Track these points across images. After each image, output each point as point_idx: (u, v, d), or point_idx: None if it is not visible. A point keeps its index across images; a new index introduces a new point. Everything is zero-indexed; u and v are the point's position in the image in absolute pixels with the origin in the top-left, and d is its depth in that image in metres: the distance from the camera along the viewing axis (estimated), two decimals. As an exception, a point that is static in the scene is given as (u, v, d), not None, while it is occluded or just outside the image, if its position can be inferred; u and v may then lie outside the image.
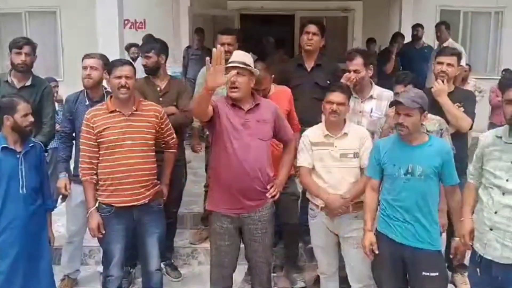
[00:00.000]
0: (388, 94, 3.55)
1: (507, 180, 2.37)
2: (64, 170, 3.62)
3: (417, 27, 7.14)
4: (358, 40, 9.09)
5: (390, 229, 2.81)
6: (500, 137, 2.45)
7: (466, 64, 6.89)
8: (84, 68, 3.52)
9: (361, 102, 3.48)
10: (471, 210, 2.70)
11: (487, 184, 2.47)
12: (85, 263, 4.12)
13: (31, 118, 3.01)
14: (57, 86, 5.65)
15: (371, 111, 3.51)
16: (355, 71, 3.46)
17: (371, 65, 3.58)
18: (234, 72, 2.81)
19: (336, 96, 3.07)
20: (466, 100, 3.54)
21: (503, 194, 2.38)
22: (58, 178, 4.75)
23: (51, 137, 3.84)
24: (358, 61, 3.48)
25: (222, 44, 3.83)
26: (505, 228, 2.36)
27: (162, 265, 3.70)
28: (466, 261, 3.10)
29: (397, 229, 2.78)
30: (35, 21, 9.03)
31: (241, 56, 2.95)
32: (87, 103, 3.51)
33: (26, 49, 3.67)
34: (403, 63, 6.94)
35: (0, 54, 8.55)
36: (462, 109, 3.46)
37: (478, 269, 2.55)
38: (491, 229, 2.43)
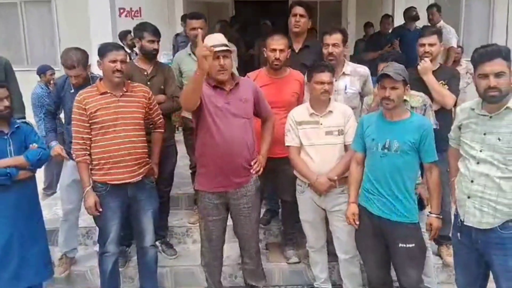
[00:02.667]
0: (362, 70, 3.67)
1: (480, 151, 2.46)
2: (54, 139, 3.69)
3: (413, 8, 7.17)
4: (352, 24, 9.14)
5: (369, 202, 2.93)
6: (473, 109, 2.53)
7: (458, 47, 6.98)
8: (69, 74, 3.55)
9: (335, 80, 3.51)
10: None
11: (464, 155, 2.56)
12: (83, 243, 4.24)
13: (6, 103, 3.05)
14: (54, 74, 5.73)
15: (346, 88, 3.61)
16: (333, 45, 3.54)
17: (347, 44, 3.72)
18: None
19: (326, 76, 3.16)
20: (451, 78, 3.62)
21: (478, 163, 2.47)
22: (55, 164, 4.91)
23: (23, 109, 3.95)
24: (337, 36, 3.57)
25: (193, 29, 3.97)
26: (481, 195, 2.46)
27: (158, 243, 3.81)
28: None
29: (374, 202, 2.89)
30: (31, 11, 9.09)
31: (220, 39, 3.01)
32: (72, 90, 3.56)
33: None
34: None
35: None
36: (446, 86, 3.55)
37: (458, 234, 2.65)
38: (468, 197, 2.52)
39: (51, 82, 5.52)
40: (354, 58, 6.87)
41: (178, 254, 4.05)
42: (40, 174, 4.14)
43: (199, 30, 3.78)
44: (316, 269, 3.59)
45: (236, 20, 8.97)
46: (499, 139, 2.38)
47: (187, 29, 4.18)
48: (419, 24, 7.04)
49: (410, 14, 7.04)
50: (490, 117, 2.44)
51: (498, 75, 2.36)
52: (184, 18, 7.38)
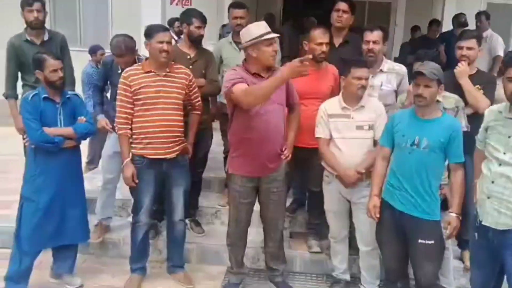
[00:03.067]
0: (400, 69, 3.73)
1: (504, 153, 2.50)
2: (101, 112, 3.97)
3: (462, 15, 7.09)
4: (400, 27, 9.12)
5: (392, 197, 3.00)
6: (501, 112, 2.58)
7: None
8: (117, 57, 3.77)
9: (372, 76, 3.58)
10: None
11: (488, 156, 2.61)
12: (118, 214, 4.49)
13: (60, 74, 3.28)
14: (104, 54, 6.01)
15: (381, 85, 3.68)
16: (374, 42, 3.62)
17: (386, 41, 3.78)
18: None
19: (364, 72, 3.24)
20: (487, 83, 3.62)
21: (500, 165, 2.52)
22: (100, 140, 5.19)
23: (74, 83, 4.20)
24: (378, 33, 3.64)
25: (235, 18, 4.13)
26: (501, 196, 2.51)
27: (187, 221, 4.00)
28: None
29: (398, 197, 2.96)
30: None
31: (267, 27, 3.13)
32: (120, 71, 3.75)
33: (36, 5, 3.95)
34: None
35: (53, 25, 9.03)
36: (482, 91, 3.56)
37: (476, 233, 2.70)
38: (488, 197, 2.57)
39: (101, 61, 5.81)
40: (398, 60, 6.86)
41: (206, 233, 4.23)
42: (84, 149, 4.42)
43: (240, 19, 3.99)
44: (336, 259, 3.68)
45: (288, 15, 9.08)
46: (523, 142, 2.43)
47: (230, 18, 4.34)
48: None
49: (459, 20, 6.96)
50: (517, 120, 2.48)
51: None
52: (228, 8, 7.58)
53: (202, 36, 3.95)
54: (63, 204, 3.39)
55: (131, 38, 3.81)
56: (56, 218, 3.37)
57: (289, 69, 2.82)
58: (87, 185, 3.78)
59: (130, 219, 4.02)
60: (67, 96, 3.41)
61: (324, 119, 3.38)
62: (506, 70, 2.49)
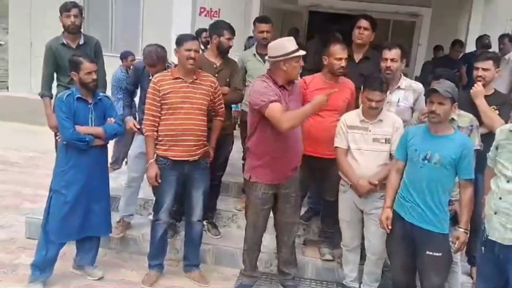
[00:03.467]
0: (417, 86, 3.84)
1: None
2: (129, 114, 4.20)
3: (486, 36, 7.16)
4: (423, 46, 9.19)
5: (403, 209, 3.11)
6: (511, 131, 2.68)
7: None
8: (149, 67, 3.99)
9: (389, 92, 3.69)
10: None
11: (497, 173, 2.71)
12: (139, 213, 4.67)
13: (94, 76, 3.50)
14: (134, 60, 6.27)
15: (398, 101, 3.79)
16: (392, 60, 3.73)
17: (405, 60, 3.89)
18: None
19: (376, 95, 3.36)
20: (503, 104, 3.70)
21: (508, 182, 2.62)
22: (125, 142, 5.42)
23: (105, 86, 4.40)
24: (396, 51, 3.75)
25: (261, 32, 4.31)
26: (508, 212, 2.60)
27: (204, 223, 4.14)
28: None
29: (408, 209, 3.07)
30: (121, 2, 9.80)
31: (295, 43, 3.31)
32: (150, 77, 3.94)
33: (74, 11, 4.17)
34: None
35: (87, 31, 9.36)
36: (497, 112, 3.65)
37: (483, 248, 2.80)
38: (495, 213, 2.67)
39: (131, 67, 6.06)
40: (420, 79, 6.94)
41: (222, 235, 4.38)
42: (109, 149, 4.64)
43: (266, 33, 4.17)
44: (347, 267, 3.79)
45: (313, 30, 9.23)
46: (531, 161, 2.52)
47: (256, 32, 4.53)
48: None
49: (483, 42, 7.02)
50: (526, 139, 2.58)
51: None
52: (254, 22, 7.78)
53: (230, 47, 4.15)
54: (89, 199, 3.59)
55: (162, 48, 4.02)
56: (82, 211, 3.56)
57: (321, 100, 3.17)
58: (111, 184, 3.98)
59: (150, 217, 4.22)
60: (99, 97, 3.62)
61: (343, 130, 3.53)
62: None
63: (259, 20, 4.52)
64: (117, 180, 5.10)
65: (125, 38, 9.71)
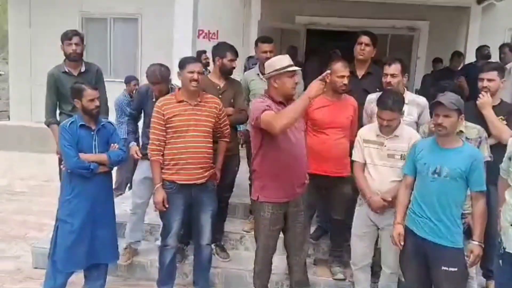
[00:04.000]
0: (421, 100, 3.83)
1: None
2: (133, 140, 4.17)
3: (486, 47, 7.19)
4: (422, 59, 9.20)
5: (415, 224, 3.06)
6: None
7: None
8: (152, 85, 3.99)
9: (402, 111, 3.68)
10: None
11: (511, 184, 2.67)
12: (146, 239, 4.61)
13: (96, 103, 3.49)
14: (137, 84, 6.29)
15: (403, 116, 3.75)
16: (392, 75, 3.73)
17: (407, 74, 3.88)
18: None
19: (386, 115, 3.31)
20: (510, 114, 3.68)
21: (522, 193, 2.58)
22: (128, 167, 5.40)
23: (108, 112, 4.40)
24: (396, 67, 3.75)
25: (264, 52, 4.32)
26: (524, 223, 2.55)
27: (213, 246, 4.09)
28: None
29: (420, 224, 3.02)
30: (118, 27, 9.88)
31: (290, 60, 3.31)
32: (154, 99, 3.95)
33: (75, 39, 4.19)
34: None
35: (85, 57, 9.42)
36: (505, 122, 3.62)
37: (500, 261, 2.73)
38: (511, 225, 2.61)
39: (134, 91, 6.09)
40: (420, 92, 6.94)
41: (231, 258, 4.32)
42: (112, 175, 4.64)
43: (269, 53, 4.16)
44: (359, 286, 3.71)
45: (312, 48, 9.30)
46: (544, 171, 2.48)
47: (258, 52, 4.53)
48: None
49: (482, 53, 7.05)
50: (539, 149, 2.54)
51: None
52: (256, 42, 7.84)
53: (234, 68, 4.16)
54: (95, 226, 3.54)
55: (166, 67, 4.04)
56: (88, 239, 3.51)
57: (313, 87, 3.04)
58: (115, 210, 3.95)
59: (157, 243, 4.17)
60: (102, 123, 3.60)
61: (360, 143, 3.50)
62: None
63: (262, 40, 4.53)
64: (121, 206, 5.07)
65: (124, 63, 9.79)
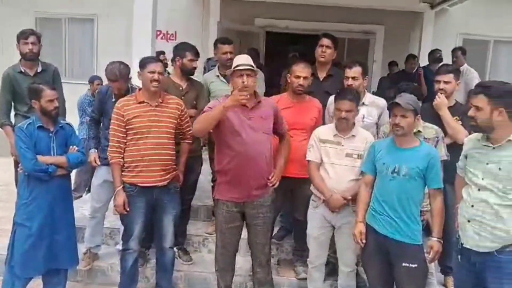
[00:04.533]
0: (381, 102, 3.92)
1: (482, 178, 2.66)
2: (94, 146, 4.06)
3: (438, 51, 7.44)
4: (378, 63, 9.41)
5: (376, 222, 3.12)
6: (479, 140, 2.75)
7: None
8: (112, 82, 3.91)
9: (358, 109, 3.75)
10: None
11: (468, 182, 2.76)
12: (105, 243, 4.51)
13: (55, 104, 3.39)
14: (100, 84, 6.15)
15: (363, 117, 3.84)
16: (353, 78, 3.80)
17: (367, 76, 3.98)
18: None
19: (344, 104, 3.39)
20: (465, 115, 3.81)
21: (479, 190, 2.67)
22: (86, 169, 5.27)
23: (65, 113, 4.29)
24: (357, 69, 3.83)
25: (225, 53, 4.31)
26: (480, 219, 2.64)
27: (175, 249, 4.04)
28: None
29: (381, 222, 3.09)
30: (74, 27, 9.62)
31: (246, 59, 3.31)
32: (114, 100, 3.89)
33: (32, 38, 4.08)
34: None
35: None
36: (460, 122, 3.75)
37: (459, 256, 2.82)
38: (468, 221, 2.70)
39: (96, 90, 5.96)
40: (377, 94, 7.09)
41: (193, 261, 4.28)
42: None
43: (229, 54, 4.17)
44: (312, 284, 3.75)
45: (271, 51, 9.34)
46: (500, 168, 2.58)
47: (219, 53, 4.49)
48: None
49: (434, 56, 7.29)
50: (493, 148, 2.64)
51: (476, 108, 2.64)
52: (215, 43, 7.81)
53: (195, 68, 4.12)
54: (54, 230, 3.43)
55: (126, 65, 3.96)
56: (47, 243, 3.40)
57: (230, 99, 3.05)
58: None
59: (118, 247, 4.09)
60: (60, 125, 3.50)
61: (316, 143, 3.53)
62: (470, 99, 2.69)
63: (222, 41, 4.50)
64: (80, 210, 4.94)
65: (79, 64, 9.54)
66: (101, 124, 4.12)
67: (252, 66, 3.27)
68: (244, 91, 3.09)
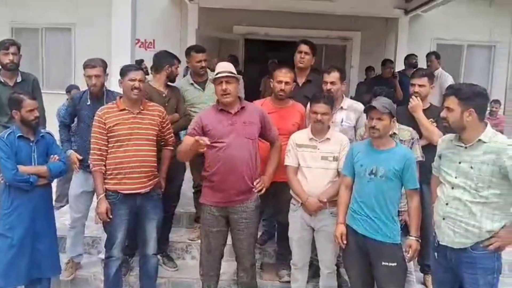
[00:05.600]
0: (358, 106, 4.00)
1: (455, 177, 2.76)
2: (70, 148, 4.03)
3: (413, 56, 7.62)
4: (355, 68, 9.58)
5: (355, 222, 3.20)
6: (451, 140, 2.85)
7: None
8: (89, 77, 3.89)
9: (333, 113, 3.79)
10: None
11: (442, 181, 2.86)
12: (88, 252, 4.50)
13: (36, 113, 3.41)
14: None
15: (342, 121, 3.93)
16: (331, 83, 3.89)
17: (345, 81, 4.06)
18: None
19: (321, 107, 3.48)
20: (439, 117, 3.93)
21: (452, 188, 2.77)
22: (66, 178, 5.23)
23: (45, 122, 4.29)
24: (335, 75, 3.92)
25: (199, 62, 4.35)
26: (455, 217, 2.74)
27: (159, 257, 4.05)
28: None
29: (360, 222, 3.16)
30: (51, 36, 9.57)
31: (226, 66, 3.40)
32: (89, 102, 3.91)
33: (12, 49, 4.10)
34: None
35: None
36: (435, 124, 3.86)
37: (436, 253, 2.92)
38: (443, 219, 2.80)
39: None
40: (355, 99, 7.18)
41: (178, 267, 4.29)
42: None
43: (204, 62, 4.29)
44: (295, 284, 3.79)
45: (250, 58, 9.42)
46: (471, 167, 2.68)
47: (192, 62, 4.47)
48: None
49: (410, 61, 7.45)
50: (465, 147, 2.74)
51: (448, 109, 2.76)
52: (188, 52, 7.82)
53: (177, 75, 4.21)
54: (36, 239, 3.44)
55: (104, 60, 4.03)
56: (29, 253, 3.40)
57: (193, 143, 3.19)
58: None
59: (100, 255, 4.08)
60: (41, 134, 3.50)
61: (293, 148, 3.59)
62: (444, 100, 2.80)
63: (196, 50, 4.48)
64: (60, 220, 4.91)
65: (57, 73, 9.49)
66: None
67: (232, 72, 3.32)
68: (225, 94, 3.26)
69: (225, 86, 3.30)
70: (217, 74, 3.33)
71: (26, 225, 3.36)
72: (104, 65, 3.98)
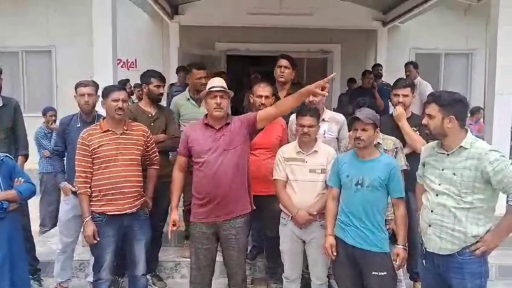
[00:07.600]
0: (340, 117, 4.04)
1: (439, 184, 2.80)
2: (63, 180, 4.02)
3: (378, 66, 7.76)
4: (336, 80, 9.66)
5: (344, 233, 3.21)
6: (434, 148, 2.90)
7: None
8: (82, 95, 3.93)
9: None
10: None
11: (427, 188, 2.90)
12: (76, 275, 4.44)
13: None
14: (54, 115, 6.08)
15: (324, 133, 3.95)
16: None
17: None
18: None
19: (306, 120, 3.51)
20: (421, 125, 3.98)
21: (437, 195, 2.81)
22: (49, 201, 5.19)
23: (27, 146, 4.29)
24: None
25: (199, 78, 4.41)
26: (440, 223, 2.77)
27: (148, 276, 4.02)
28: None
29: (349, 233, 3.18)
30: (31, 59, 9.53)
31: (220, 82, 3.43)
32: (79, 125, 3.91)
33: None
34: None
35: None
36: (418, 132, 3.92)
37: (424, 260, 2.94)
38: (429, 225, 2.83)
39: (50, 122, 5.92)
40: (337, 111, 7.26)
41: (167, 287, 4.26)
42: (35, 211, 4.38)
43: (204, 79, 4.31)
44: None
45: (231, 73, 9.45)
46: (454, 174, 2.73)
47: (193, 78, 4.58)
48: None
49: (375, 72, 7.62)
50: (447, 154, 2.79)
51: (429, 116, 2.81)
52: (180, 69, 7.85)
53: (161, 94, 4.22)
54: (14, 267, 3.31)
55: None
56: (9, 278, 3.27)
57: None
58: (40, 248, 3.73)
59: (88, 279, 4.02)
60: (1, 158, 3.37)
61: (281, 161, 3.61)
62: (425, 108, 2.85)
63: (197, 67, 4.61)
64: (47, 244, 4.85)
65: (39, 96, 9.43)
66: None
67: (225, 88, 3.37)
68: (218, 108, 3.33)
69: (220, 100, 3.34)
70: (211, 88, 3.35)
71: (4, 251, 3.26)
72: (96, 85, 4.00)
